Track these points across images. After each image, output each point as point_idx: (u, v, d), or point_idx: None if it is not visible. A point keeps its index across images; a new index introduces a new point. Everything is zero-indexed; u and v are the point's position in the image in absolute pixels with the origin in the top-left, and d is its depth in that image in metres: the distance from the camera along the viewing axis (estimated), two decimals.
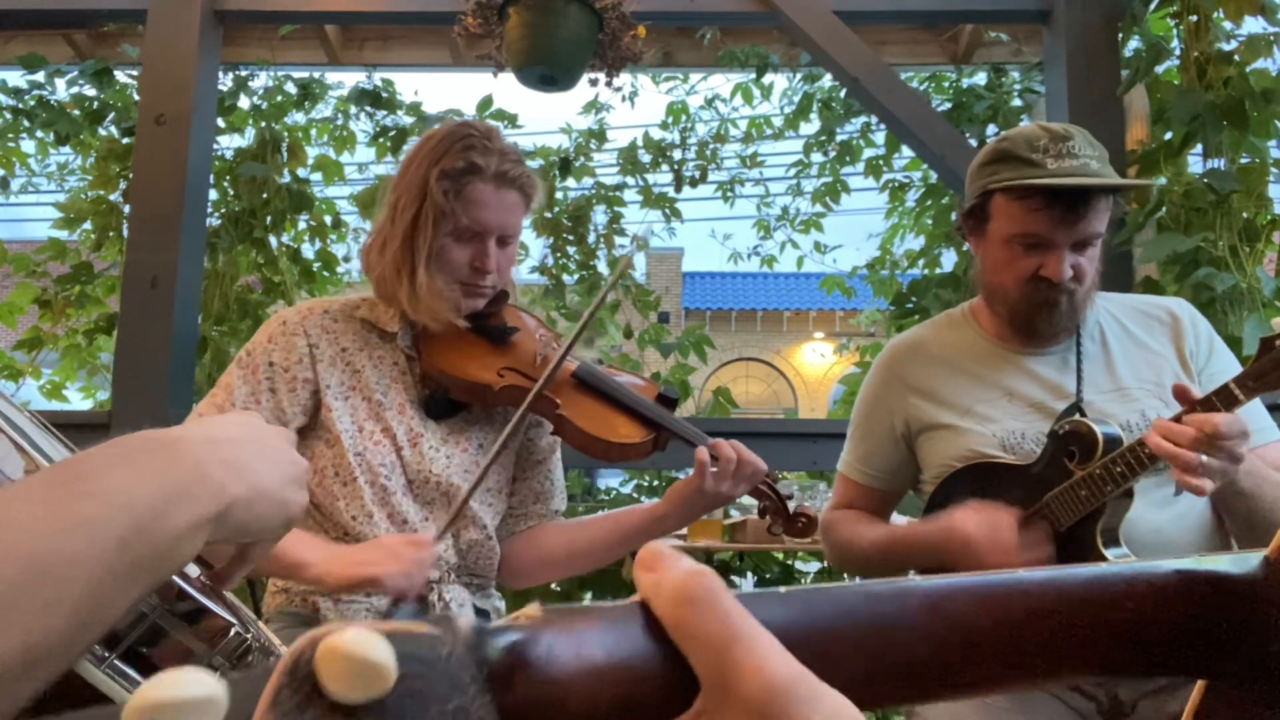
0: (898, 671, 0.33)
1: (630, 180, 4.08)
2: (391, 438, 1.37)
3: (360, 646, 0.23)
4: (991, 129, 3.44)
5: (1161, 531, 1.38)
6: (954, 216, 3.46)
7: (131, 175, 3.06)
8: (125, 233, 3.11)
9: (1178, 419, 1.23)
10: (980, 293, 1.57)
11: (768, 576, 3.53)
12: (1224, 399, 1.23)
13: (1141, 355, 1.49)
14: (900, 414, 1.56)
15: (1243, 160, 2.48)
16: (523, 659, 0.27)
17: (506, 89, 2.78)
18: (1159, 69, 2.59)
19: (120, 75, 3.59)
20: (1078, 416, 1.38)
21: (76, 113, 3.63)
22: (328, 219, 3.77)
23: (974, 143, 3.25)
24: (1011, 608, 0.34)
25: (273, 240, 3.51)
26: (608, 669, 0.28)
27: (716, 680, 0.28)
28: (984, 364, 1.52)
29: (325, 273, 3.75)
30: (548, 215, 3.89)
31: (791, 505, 1.41)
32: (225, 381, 1.36)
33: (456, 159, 1.36)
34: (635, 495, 3.76)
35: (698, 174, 4.07)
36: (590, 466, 3.58)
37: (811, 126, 4.13)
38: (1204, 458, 1.19)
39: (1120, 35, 2.71)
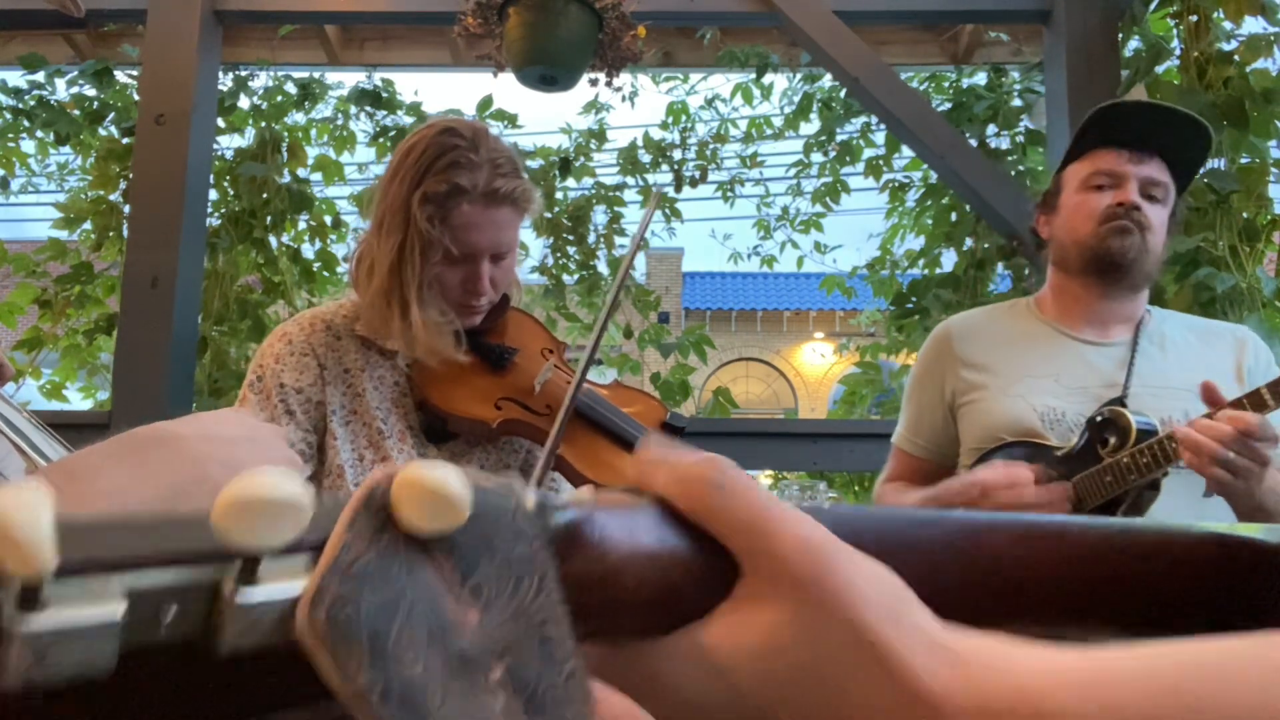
0: (935, 595, 0.33)
1: (630, 180, 4.07)
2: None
3: (438, 479, 0.23)
4: (991, 129, 3.44)
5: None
6: (954, 216, 3.46)
7: (131, 175, 3.07)
8: (125, 233, 3.11)
9: (1210, 417, 1.23)
10: (1051, 266, 1.61)
11: None
12: (1254, 403, 1.23)
13: (1198, 360, 1.50)
14: (950, 385, 1.59)
15: (1243, 160, 2.48)
16: (580, 535, 0.28)
17: (506, 89, 2.78)
18: (1159, 69, 2.59)
19: (120, 75, 3.58)
20: (1117, 406, 1.39)
21: (76, 113, 3.62)
22: (328, 219, 3.76)
23: (974, 143, 3.25)
24: (1049, 548, 0.34)
25: (273, 240, 3.50)
26: (658, 554, 0.29)
27: (755, 554, 0.29)
28: (1039, 347, 1.56)
29: (325, 273, 3.74)
30: (548, 215, 3.89)
31: None
32: (245, 406, 1.31)
33: (439, 182, 1.24)
34: None
35: (698, 174, 4.06)
36: None
37: (811, 126, 4.12)
38: (1231, 454, 1.19)
39: (1120, 35, 2.71)
